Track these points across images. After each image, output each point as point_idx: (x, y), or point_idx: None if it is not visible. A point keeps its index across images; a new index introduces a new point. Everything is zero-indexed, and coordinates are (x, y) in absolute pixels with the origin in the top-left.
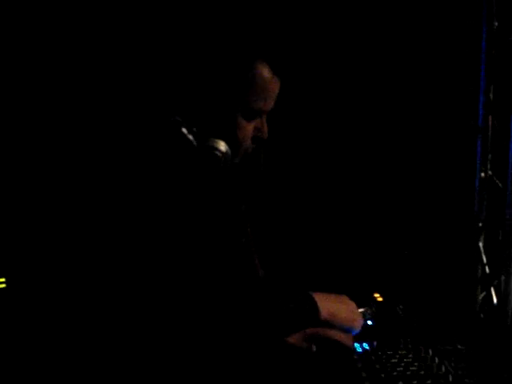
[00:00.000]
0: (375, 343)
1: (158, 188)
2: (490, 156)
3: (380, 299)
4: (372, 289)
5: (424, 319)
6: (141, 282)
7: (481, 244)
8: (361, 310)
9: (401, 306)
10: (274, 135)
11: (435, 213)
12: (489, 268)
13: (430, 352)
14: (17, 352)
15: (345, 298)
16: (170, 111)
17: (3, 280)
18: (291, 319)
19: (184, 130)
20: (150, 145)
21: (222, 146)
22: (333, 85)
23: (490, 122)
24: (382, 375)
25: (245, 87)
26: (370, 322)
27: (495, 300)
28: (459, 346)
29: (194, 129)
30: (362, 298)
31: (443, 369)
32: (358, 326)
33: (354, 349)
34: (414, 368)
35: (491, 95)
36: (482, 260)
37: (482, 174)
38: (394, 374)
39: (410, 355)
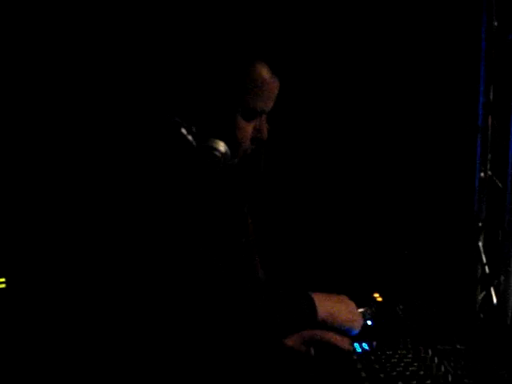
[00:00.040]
0: (375, 343)
1: (158, 188)
2: (489, 156)
3: (380, 299)
4: (372, 289)
5: (423, 319)
6: (140, 282)
7: (480, 244)
8: (360, 310)
9: (400, 306)
10: (274, 136)
11: (435, 213)
12: (488, 268)
13: (430, 352)
14: (16, 352)
15: (344, 298)
16: (170, 112)
17: (3, 280)
18: (289, 319)
19: (183, 131)
20: (149, 145)
21: (222, 146)
22: (332, 85)
23: (490, 122)
24: (382, 375)
25: (244, 88)
26: (369, 322)
27: (495, 300)
28: (459, 346)
29: (194, 129)
30: (361, 298)
31: (443, 369)
32: (357, 326)
33: (354, 349)
34: (413, 368)
35: (491, 95)
36: (482, 260)
37: (482, 174)
38: (394, 374)
39: (410, 355)
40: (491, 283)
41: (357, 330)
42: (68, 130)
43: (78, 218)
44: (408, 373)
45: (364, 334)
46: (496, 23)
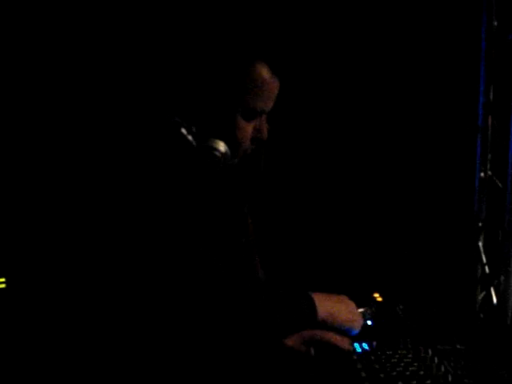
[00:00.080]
0: (375, 343)
1: (158, 188)
2: (489, 156)
3: (380, 299)
4: (372, 289)
5: (423, 319)
6: (140, 282)
7: (480, 244)
8: (360, 310)
9: (400, 306)
10: (274, 136)
11: (435, 213)
12: (488, 268)
13: (430, 352)
14: (17, 352)
15: (344, 298)
16: (170, 112)
17: (3, 280)
18: (289, 319)
19: (183, 131)
20: (149, 145)
21: (222, 146)
22: (333, 85)
23: (490, 122)
24: (382, 375)
25: (244, 88)
26: (369, 322)
27: (495, 300)
28: (459, 346)
29: (194, 129)
30: (361, 298)
31: (443, 369)
32: (357, 326)
33: (354, 349)
34: (413, 368)
35: (491, 95)
36: (482, 260)
37: (482, 174)
38: (394, 374)
39: (410, 355)
40: (491, 283)
41: (357, 330)
42: (68, 130)
43: (78, 219)
44: (408, 373)
45: (364, 334)
46: (496, 23)
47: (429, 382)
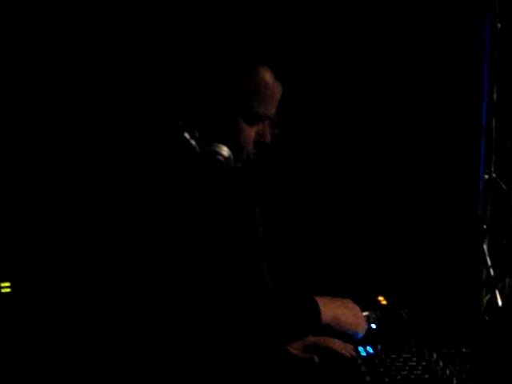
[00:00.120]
0: (379, 347)
1: (161, 192)
2: (493, 158)
3: (384, 303)
4: (376, 292)
5: (428, 322)
6: (143, 287)
7: (485, 246)
8: (365, 313)
9: (405, 310)
10: (282, 140)
11: (439, 215)
12: (493, 270)
13: (435, 355)
14: (21, 352)
15: (349, 302)
16: (173, 116)
17: (8, 284)
18: (294, 323)
19: (187, 135)
20: (153, 149)
21: (225, 150)
22: (337, 88)
23: (494, 124)
24: (386, 379)
25: (247, 92)
26: (374, 326)
27: (500, 302)
28: (464, 349)
29: (197, 133)
30: (366, 302)
31: (448, 372)
32: (362, 329)
33: (358, 352)
34: (418, 372)
35: (494, 96)
36: (487, 262)
37: (486, 176)
38: (398, 377)
39: (415, 359)
40: (496, 286)
41: (361, 333)
42: (73, 134)
43: (82, 223)
44: (413, 376)
45: (368, 338)
46: (499, 25)
47: None
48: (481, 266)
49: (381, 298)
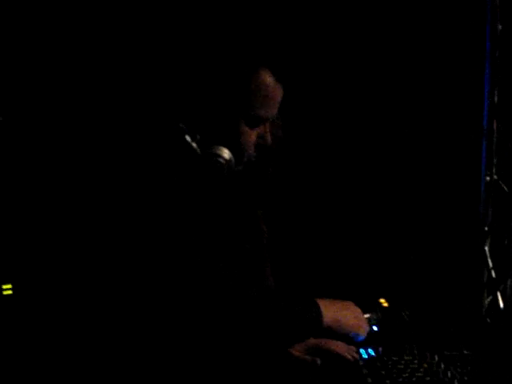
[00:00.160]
0: (381, 349)
1: (162, 194)
2: (495, 160)
3: (386, 305)
4: (377, 294)
5: (430, 324)
6: (145, 291)
7: (487, 248)
8: (366, 315)
9: (406, 312)
10: (284, 141)
11: (441, 217)
12: (495, 272)
13: (436, 357)
14: (22, 353)
15: (350, 304)
16: (174, 118)
17: (10, 286)
18: (295, 325)
19: (188, 138)
20: (153, 152)
21: (226, 153)
22: (337, 90)
23: (495, 126)
24: (388, 381)
25: (248, 94)
26: (375, 328)
27: (501, 304)
28: (465, 352)
29: (198, 136)
30: (367, 304)
31: (449, 374)
32: (363, 331)
33: (360, 355)
34: (419, 374)
35: (496, 98)
36: (488, 264)
37: (488, 178)
38: (400, 380)
39: (416, 361)
40: (498, 288)
41: (363, 335)
42: (75, 137)
43: (84, 226)
44: (414, 379)
45: (370, 340)
46: (500, 27)
47: None
48: (482, 267)
49: (382, 300)
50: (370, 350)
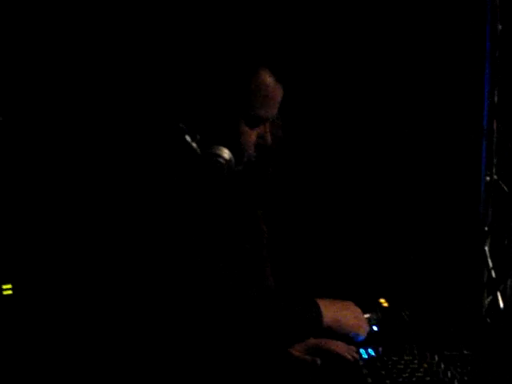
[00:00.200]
0: (381, 349)
1: (162, 195)
2: (495, 160)
3: (385, 305)
4: (377, 294)
5: (430, 324)
6: (146, 292)
7: (487, 248)
8: (366, 315)
9: (406, 312)
10: (284, 141)
11: (441, 217)
12: (495, 272)
13: (436, 358)
14: (23, 354)
15: (350, 304)
16: (174, 118)
17: (10, 286)
18: (295, 325)
19: (188, 138)
20: (153, 152)
21: (226, 153)
22: (337, 90)
23: (495, 126)
24: (388, 381)
25: (248, 94)
26: (375, 328)
27: (501, 304)
28: (465, 352)
29: (198, 136)
30: (367, 304)
31: (449, 374)
32: (363, 332)
33: (360, 355)
34: (419, 374)
35: (496, 98)
36: (488, 264)
37: (488, 178)
38: (400, 380)
39: (416, 361)
40: (498, 288)
41: (363, 335)
42: (76, 138)
43: (85, 227)
44: (414, 379)
45: (370, 340)
46: (500, 27)
47: None
48: (482, 267)
49: (382, 300)
50: (369, 350)
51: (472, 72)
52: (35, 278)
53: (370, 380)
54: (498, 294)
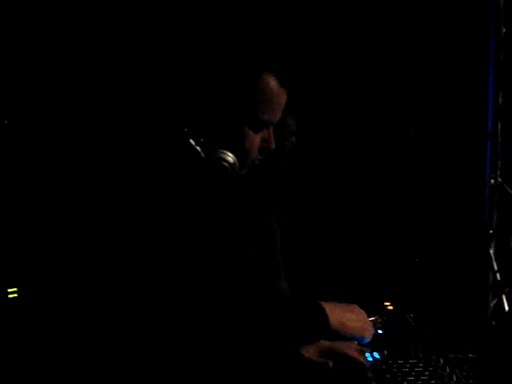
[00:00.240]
0: (386, 352)
1: (166, 198)
2: (499, 163)
3: (391, 308)
4: (382, 297)
5: (435, 327)
6: (149, 295)
7: (492, 251)
8: (371, 318)
9: (411, 315)
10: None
11: (446, 220)
12: (500, 275)
13: (441, 361)
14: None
15: (355, 307)
16: (178, 122)
17: (15, 289)
18: (301, 329)
19: (192, 142)
20: (158, 156)
21: (230, 157)
22: (343, 96)
23: (499, 128)
24: None
25: (252, 99)
26: (380, 331)
27: (507, 307)
28: (470, 355)
29: (202, 140)
30: (372, 307)
31: (454, 378)
32: (368, 335)
33: (365, 358)
34: (424, 377)
35: (500, 100)
36: (493, 267)
37: (492, 181)
38: (405, 383)
39: (421, 364)
40: (503, 290)
41: (368, 338)
42: (78, 141)
43: (88, 230)
44: (419, 382)
45: (375, 343)
46: (504, 30)
47: None
48: (487, 270)
49: (387, 303)
50: (375, 353)
51: (476, 74)
52: (35, 279)
53: (374, 383)
54: (503, 297)
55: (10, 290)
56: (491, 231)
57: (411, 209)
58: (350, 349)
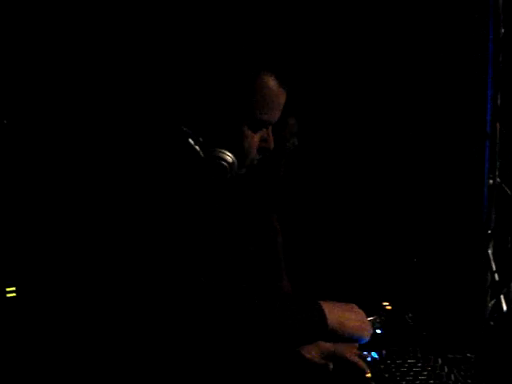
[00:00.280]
0: (384, 352)
1: (165, 197)
2: (498, 163)
3: (389, 308)
4: (381, 297)
5: (433, 327)
6: (148, 293)
7: (490, 251)
8: (370, 318)
9: (410, 315)
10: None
11: (444, 220)
12: (498, 275)
13: (440, 360)
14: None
15: (354, 307)
16: (177, 122)
17: (13, 289)
18: (299, 328)
19: (191, 141)
20: (157, 155)
21: (229, 156)
22: (344, 96)
23: (498, 129)
24: None
25: (251, 98)
26: (378, 331)
27: (505, 307)
28: (469, 355)
29: (201, 139)
30: (371, 307)
31: (453, 377)
32: (367, 334)
33: (365, 363)
34: (423, 377)
35: (499, 101)
36: (492, 267)
37: (491, 181)
38: (403, 383)
39: (420, 364)
40: (501, 291)
41: (366, 338)
42: (78, 141)
43: (88, 230)
44: (418, 382)
45: (373, 343)
46: (503, 30)
47: None
48: (486, 270)
49: (386, 303)
50: (373, 353)
51: (475, 75)
52: (34, 279)
53: (373, 383)
54: (502, 297)
55: (8, 290)
56: (489, 231)
57: (410, 209)
58: (351, 353)
